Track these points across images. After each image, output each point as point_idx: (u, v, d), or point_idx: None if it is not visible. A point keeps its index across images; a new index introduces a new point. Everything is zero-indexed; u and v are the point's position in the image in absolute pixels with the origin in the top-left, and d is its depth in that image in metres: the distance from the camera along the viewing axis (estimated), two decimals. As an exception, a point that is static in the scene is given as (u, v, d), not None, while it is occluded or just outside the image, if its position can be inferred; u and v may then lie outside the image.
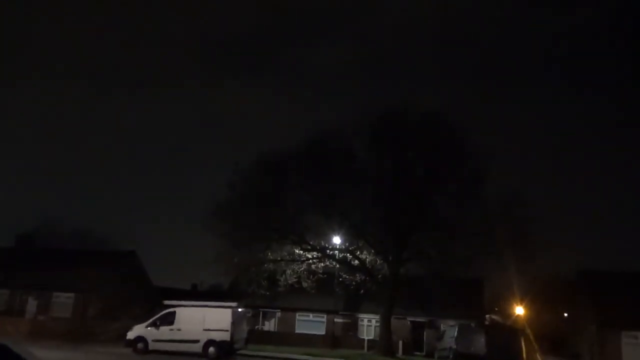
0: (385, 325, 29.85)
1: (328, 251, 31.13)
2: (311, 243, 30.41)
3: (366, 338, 34.29)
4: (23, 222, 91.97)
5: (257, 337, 31.70)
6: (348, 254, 31.29)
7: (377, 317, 32.27)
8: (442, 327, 33.96)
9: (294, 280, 30.92)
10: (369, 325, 35.40)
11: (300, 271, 30.87)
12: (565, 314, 43.82)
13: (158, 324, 23.85)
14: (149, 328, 23.83)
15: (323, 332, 35.20)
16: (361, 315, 35.55)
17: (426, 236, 30.00)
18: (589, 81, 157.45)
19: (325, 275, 32.01)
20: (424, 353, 33.69)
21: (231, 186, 29.60)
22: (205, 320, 23.41)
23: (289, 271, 30.73)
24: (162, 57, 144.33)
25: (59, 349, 22.16)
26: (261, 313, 36.71)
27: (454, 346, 29.52)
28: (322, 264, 31.21)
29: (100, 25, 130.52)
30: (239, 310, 25.02)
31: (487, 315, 36.95)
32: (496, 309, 41.09)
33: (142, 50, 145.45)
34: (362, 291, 32.64)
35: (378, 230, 30.23)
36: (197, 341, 23.04)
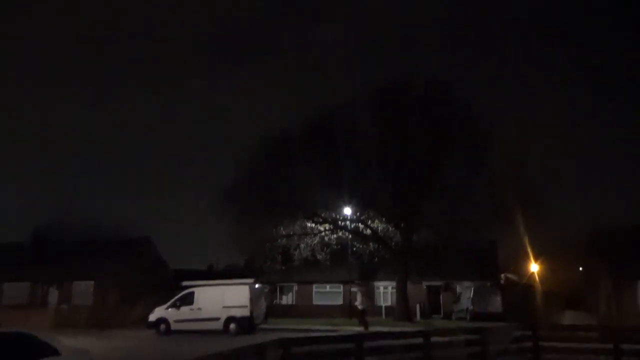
0: (401, 291, 30.15)
1: (340, 222, 31.32)
2: (322, 216, 30.58)
3: (383, 305, 34.69)
4: (36, 218, 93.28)
5: (276, 311, 32.18)
6: (360, 224, 31.46)
7: (393, 284, 32.59)
8: (458, 289, 34.31)
9: (308, 253, 31.23)
10: (385, 292, 35.81)
11: (314, 244, 31.14)
12: (580, 269, 43.95)
13: (178, 304, 24.28)
14: (169, 309, 24.27)
15: (341, 302, 35.66)
16: (377, 283, 35.92)
17: (436, 203, 30.02)
18: (595, 40, 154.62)
19: (339, 247, 32.29)
20: (441, 316, 34.11)
21: (238, 166, 29.76)
22: (224, 298, 23.80)
23: (302, 245, 31.01)
24: (162, 49, 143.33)
25: (85, 335, 22.59)
26: (278, 288, 37.24)
27: (471, 307, 29.95)
28: (334, 236, 31.45)
29: (99, 23, 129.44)
30: (257, 286, 25.36)
31: (502, 275, 37.19)
32: (512, 268, 41.35)
33: (142, 43, 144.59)
34: (376, 259, 32.90)
35: (387, 201, 30.30)
36: (217, 319, 23.44)
